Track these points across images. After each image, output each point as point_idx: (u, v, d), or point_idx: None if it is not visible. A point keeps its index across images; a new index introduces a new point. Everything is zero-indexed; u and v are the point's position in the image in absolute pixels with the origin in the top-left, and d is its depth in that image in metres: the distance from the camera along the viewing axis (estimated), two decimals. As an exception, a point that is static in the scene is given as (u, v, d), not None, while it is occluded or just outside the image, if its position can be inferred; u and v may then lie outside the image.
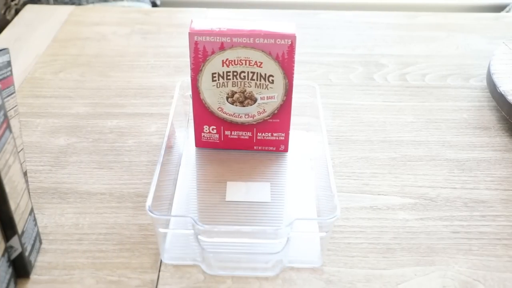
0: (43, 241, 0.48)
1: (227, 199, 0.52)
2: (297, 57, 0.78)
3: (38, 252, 0.46)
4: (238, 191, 0.53)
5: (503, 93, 0.63)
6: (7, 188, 0.39)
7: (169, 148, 0.53)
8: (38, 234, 0.46)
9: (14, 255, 0.42)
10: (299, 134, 0.61)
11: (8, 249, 0.42)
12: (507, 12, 1.32)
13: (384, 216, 0.51)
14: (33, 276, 0.45)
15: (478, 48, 0.83)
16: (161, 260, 0.46)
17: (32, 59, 0.77)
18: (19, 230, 0.42)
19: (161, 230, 0.44)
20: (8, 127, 0.40)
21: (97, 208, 0.51)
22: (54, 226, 0.49)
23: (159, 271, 0.45)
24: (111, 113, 0.65)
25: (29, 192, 0.44)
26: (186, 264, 0.46)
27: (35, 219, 0.46)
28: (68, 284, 0.44)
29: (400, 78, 0.74)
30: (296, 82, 0.55)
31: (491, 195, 0.54)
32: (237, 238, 0.45)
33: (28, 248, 0.44)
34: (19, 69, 0.75)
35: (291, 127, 0.57)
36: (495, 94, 0.65)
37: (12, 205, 0.40)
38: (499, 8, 1.41)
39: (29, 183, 0.54)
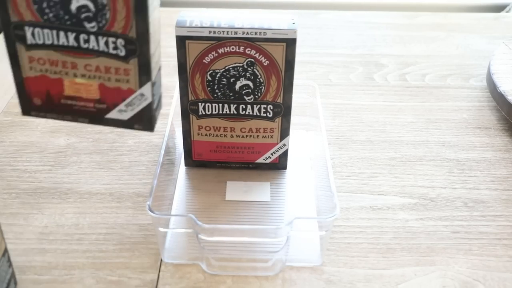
0: (43, 241, 0.48)
1: (227, 199, 0.52)
2: (297, 57, 0.78)
3: None
4: (238, 190, 0.53)
5: (503, 93, 0.63)
6: None
7: (169, 148, 0.53)
8: (12, 275, 0.43)
9: None
10: (299, 134, 0.61)
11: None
12: (507, 12, 1.32)
13: (384, 216, 0.51)
14: (33, 276, 0.45)
15: (478, 48, 0.83)
16: (161, 260, 0.46)
17: (32, 59, 0.77)
18: None
19: (161, 229, 0.44)
20: None
21: (97, 208, 0.51)
22: (54, 226, 0.49)
23: (159, 271, 0.45)
24: (111, 113, 0.65)
25: (2, 233, 0.40)
26: (186, 263, 0.46)
27: (9, 260, 0.42)
28: (68, 284, 0.44)
29: (400, 78, 0.74)
30: (296, 82, 0.55)
31: (491, 195, 0.54)
32: (237, 237, 0.45)
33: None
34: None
35: (291, 127, 0.57)
36: (495, 94, 0.65)
37: None
38: (499, 8, 1.41)
39: (29, 183, 0.54)
